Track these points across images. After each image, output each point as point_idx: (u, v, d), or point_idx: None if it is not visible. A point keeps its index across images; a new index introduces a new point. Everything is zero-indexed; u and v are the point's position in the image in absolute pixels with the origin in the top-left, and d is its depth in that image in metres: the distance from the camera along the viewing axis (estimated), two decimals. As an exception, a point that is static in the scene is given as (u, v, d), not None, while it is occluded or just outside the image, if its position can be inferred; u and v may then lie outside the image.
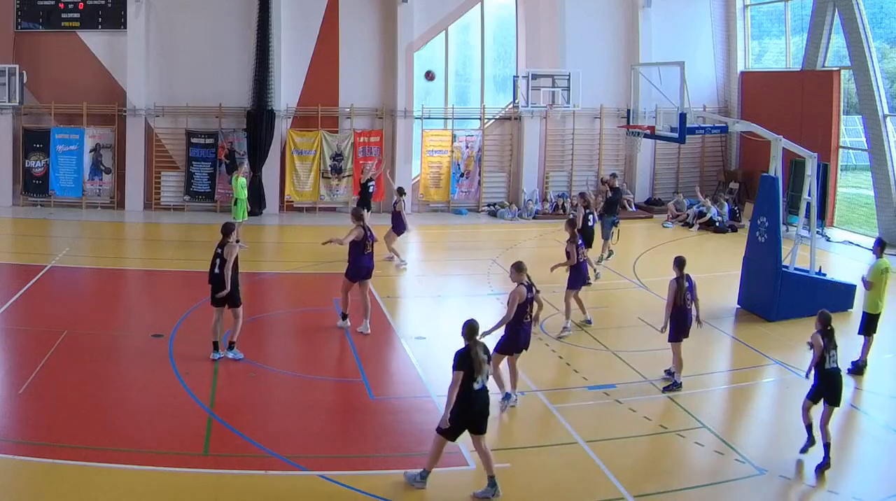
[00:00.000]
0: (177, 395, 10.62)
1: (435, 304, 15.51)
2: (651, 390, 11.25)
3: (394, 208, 18.11)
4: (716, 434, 9.86)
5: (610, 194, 18.62)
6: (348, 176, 23.99)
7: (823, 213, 21.48)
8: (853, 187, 23.43)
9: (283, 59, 23.50)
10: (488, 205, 24.93)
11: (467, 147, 24.89)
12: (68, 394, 10.49)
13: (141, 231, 22.27)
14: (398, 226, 17.99)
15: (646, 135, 17.14)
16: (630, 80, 19.63)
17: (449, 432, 8.39)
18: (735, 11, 25.84)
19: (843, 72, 22.17)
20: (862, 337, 12.12)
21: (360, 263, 13.02)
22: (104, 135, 23.57)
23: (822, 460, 9.05)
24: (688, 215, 23.48)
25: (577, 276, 13.91)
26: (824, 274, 15.30)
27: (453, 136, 24.77)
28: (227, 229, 11.63)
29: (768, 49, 26.11)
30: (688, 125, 15.32)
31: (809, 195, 15.18)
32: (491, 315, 12.56)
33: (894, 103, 20.97)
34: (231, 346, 11.79)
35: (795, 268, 14.89)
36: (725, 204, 23.39)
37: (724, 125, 16.97)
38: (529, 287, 10.37)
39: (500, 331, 10.50)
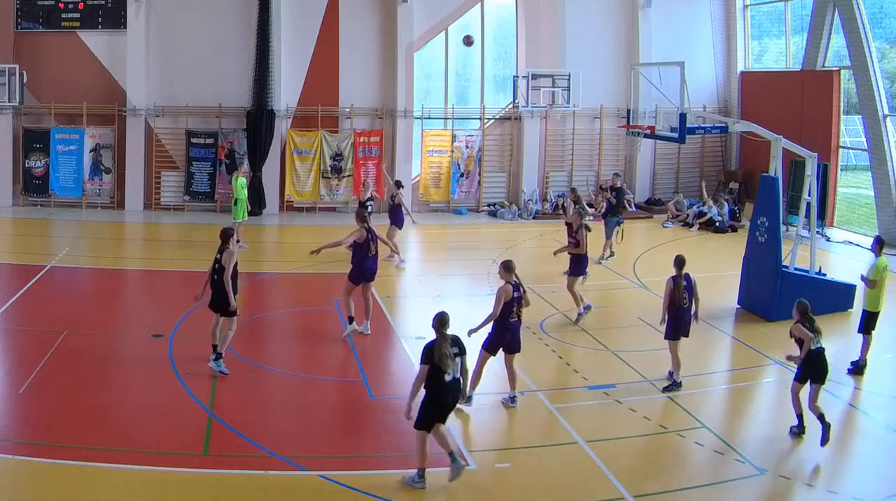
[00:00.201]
0: (177, 395, 10.62)
1: (435, 304, 15.42)
2: (651, 390, 11.25)
3: (392, 201, 18.12)
4: (716, 434, 9.86)
5: (613, 195, 18.60)
6: (348, 176, 23.99)
7: (823, 213, 21.48)
8: (853, 187, 23.43)
9: (283, 59, 23.49)
10: (488, 205, 24.93)
11: (467, 147, 24.89)
12: (68, 394, 10.50)
13: (141, 231, 22.27)
14: (398, 219, 17.99)
15: (646, 135, 17.14)
16: (630, 80, 19.62)
17: (424, 426, 8.50)
18: (735, 11, 25.84)
19: (843, 72, 22.17)
20: (861, 336, 12.11)
21: (364, 266, 12.89)
22: (104, 135, 23.57)
23: (821, 434, 9.35)
24: (688, 215, 23.48)
25: (582, 264, 13.99)
26: (824, 274, 15.30)
27: (453, 136, 24.77)
28: (226, 235, 11.32)
29: (768, 49, 26.11)
30: (688, 125, 15.32)
31: (809, 195, 15.19)
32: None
33: (894, 103, 20.97)
34: (218, 357, 11.26)
35: (795, 268, 14.89)
36: (725, 204, 23.39)
37: (724, 125, 16.97)
38: (517, 286, 10.38)
39: (488, 329, 10.49)
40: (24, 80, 22.92)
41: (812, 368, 9.60)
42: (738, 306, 15.18)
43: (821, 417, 9.41)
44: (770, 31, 25.92)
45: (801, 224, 15.77)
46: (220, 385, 10.98)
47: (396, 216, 18.05)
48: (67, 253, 18.26)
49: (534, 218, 24.10)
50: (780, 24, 24.97)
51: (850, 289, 14.77)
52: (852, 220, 22.91)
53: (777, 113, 22.60)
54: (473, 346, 10.22)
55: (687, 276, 11.35)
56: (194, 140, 23.73)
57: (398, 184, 18.47)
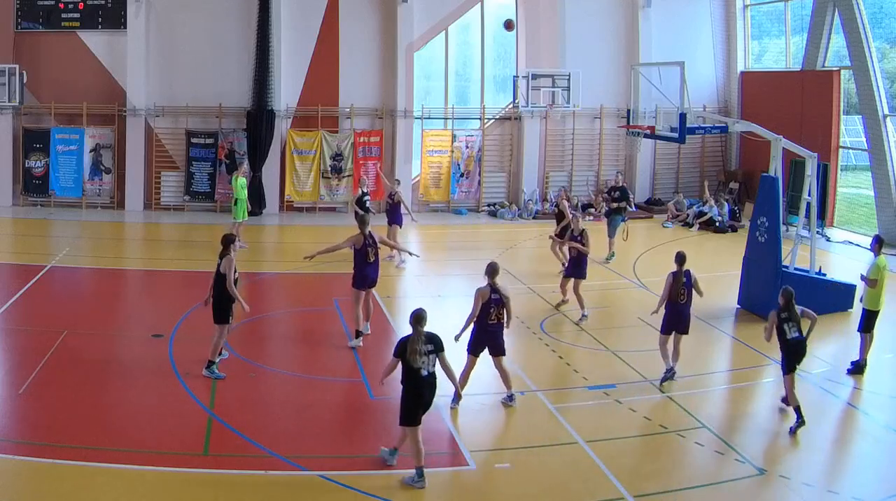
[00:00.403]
0: (177, 395, 10.62)
1: (435, 304, 15.45)
2: (651, 390, 11.25)
3: (391, 199, 18.11)
4: (716, 434, 9.86)
5: (618, 193, 18.60)
6: (348, 176, 23.99)
7: (823, 213, 21.48)
8: (853, 187, 23.43)
9: (283, 59, 23.50)
10: (488, 205, 24.93)
11: (467, 147, 24.89)
12: (68, 394, 10.49)
13: (141, 231, 22.27)
14: (397, 217, 17.98)
15: (646, 135, 17.13)
16: (630, 80, 19.62)
17: (409, 421, 8.61)
18: (735, 11, 25.84)
19: (843, 72, 22.17)
20: (860, 335, 12.12)
21: (364, 273, 12.76)
22: (104, 135, 23.57)
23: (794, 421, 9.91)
24: (688, 215, 23.48)
25: (582, 266, 14.08)
26: (824, 274, 15.31)
27: (453, 136, 24.77)
28: (227, 241, 11.28)
29: (768, 49, 26.11)
30: (688, 125, 15.32)
31: (809, 195, 15.19)
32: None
33: (894, 103, 20.97)
34: (209, 365, 11.20)
35: (795, 268, 14.89)
36: (725, 204, 23.40)
37: (724, 125, 16.97)
38: (495, 289, 10.38)
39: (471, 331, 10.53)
40: (24, 80, 22.93)
41: (795, 358, 10.08)
42: (738, 306, 15.18)
43: (784, 400, 10.10)
44: (770, 31, 25.92)
45: (801, 224, 15.77)
46: (220, 385, 10.97)
47: (395, 215, 18.04)
48: (67, 254, 18.26)
49: (534, 218, 24.09)
50: (780, 24, 24.98)
51: (850, 289, 14.76)
52: (852, 220, 22.91)
53: (777, 113, 22.60)
54: (459, 348, 10.29)
55: (687, 273, 11.37)
56: (194, 140, 23.73)
57: (396, 182, 18.47)
